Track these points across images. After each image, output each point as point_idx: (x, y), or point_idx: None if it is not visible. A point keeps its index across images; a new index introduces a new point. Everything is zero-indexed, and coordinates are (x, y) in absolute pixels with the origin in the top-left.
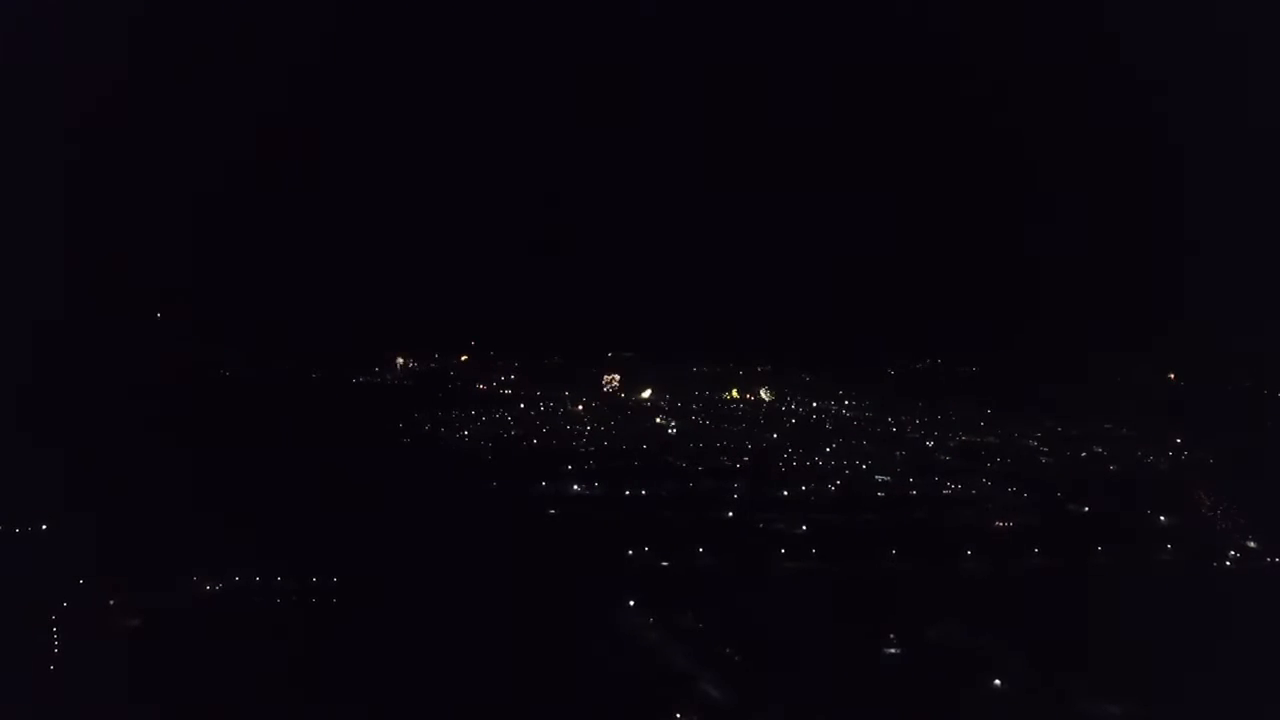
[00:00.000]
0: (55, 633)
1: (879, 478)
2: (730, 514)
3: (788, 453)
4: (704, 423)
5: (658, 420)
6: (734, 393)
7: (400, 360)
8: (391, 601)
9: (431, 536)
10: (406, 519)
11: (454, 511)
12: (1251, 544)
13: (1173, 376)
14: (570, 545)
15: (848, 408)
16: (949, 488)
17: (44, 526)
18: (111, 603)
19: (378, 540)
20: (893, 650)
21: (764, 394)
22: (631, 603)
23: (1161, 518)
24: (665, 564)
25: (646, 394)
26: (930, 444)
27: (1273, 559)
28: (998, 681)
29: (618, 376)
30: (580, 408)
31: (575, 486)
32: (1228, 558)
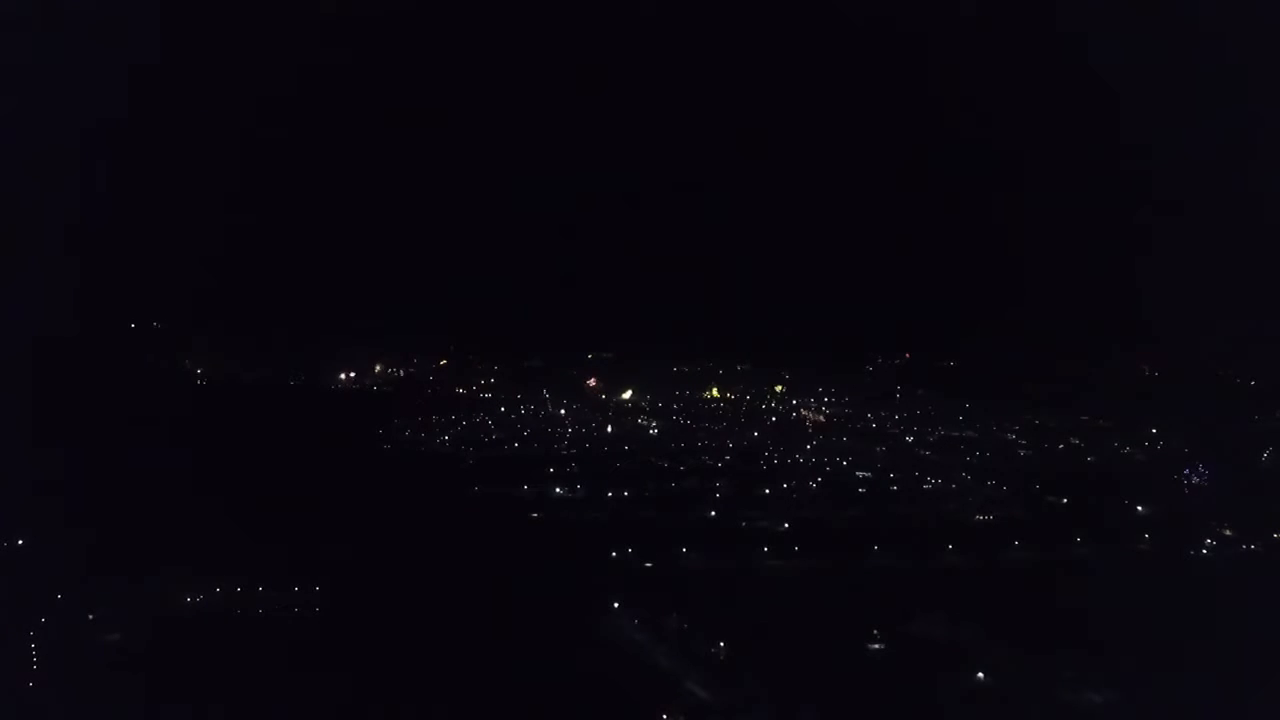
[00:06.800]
0: (33, 649)
1: (860, 474)
2: (713, 513)
3: (769, 451)
4: (685, 422)
5: (639, 421)
6: (714, 392)
7: (379, 365)
8: (375, 608)
9: (415, 542)
10: (389, 525)
11: (437, 517)
12: (1227, 532)
13: (1146, 369)
14: (553, 548)
15: (828, 404)
16: (929, 482)
17: (20, 541)
18: (91, 617)
19: (360, 547)
20: (877, 645)
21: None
22: (616, 604)
23: (1139, 508)
24: (649, 565)
25: (627, 395)
26: (910, 439)
27: (1248, 545)
28: (981, 674)
29: (599, 377)
30: (561, 410)
31: (557, 489)
32: (1204, 546)
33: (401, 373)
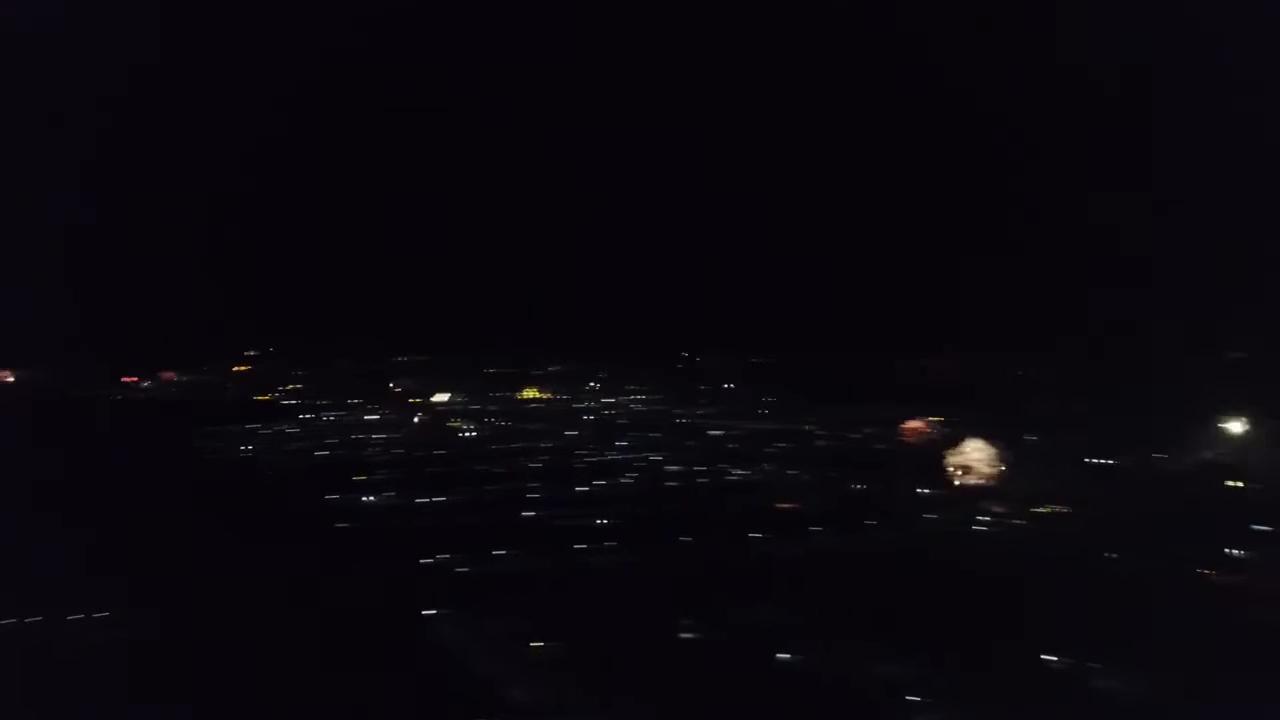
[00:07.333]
0: None
1: (671, 468)
2: (530, 513)
3: (584, 449)
4: (501, 424)
5: (452, 424)
6: (531, 393)
7: (169, 374)
8: (178, 628)
9: (215, 558)
10: (186, 542)
11: (238, 531)
12: (997, 508)
13: (928, 362)
14: (363, 558)
15: (640, 402)
16: (735, 474)
17: None
18: None
19: (152, 567)
20: (690, 635)
21: (538, 393)
22: (430, 611)
23: (922, 489)
24: (464, 570)
25: (441, 397)
26: (717, 433)
27: (1013, 521)
28: (788, 655)
29: (411, 381)
30: (371, 416)
31: (367, 497)
32: (979, 522)
33: (195, 380)
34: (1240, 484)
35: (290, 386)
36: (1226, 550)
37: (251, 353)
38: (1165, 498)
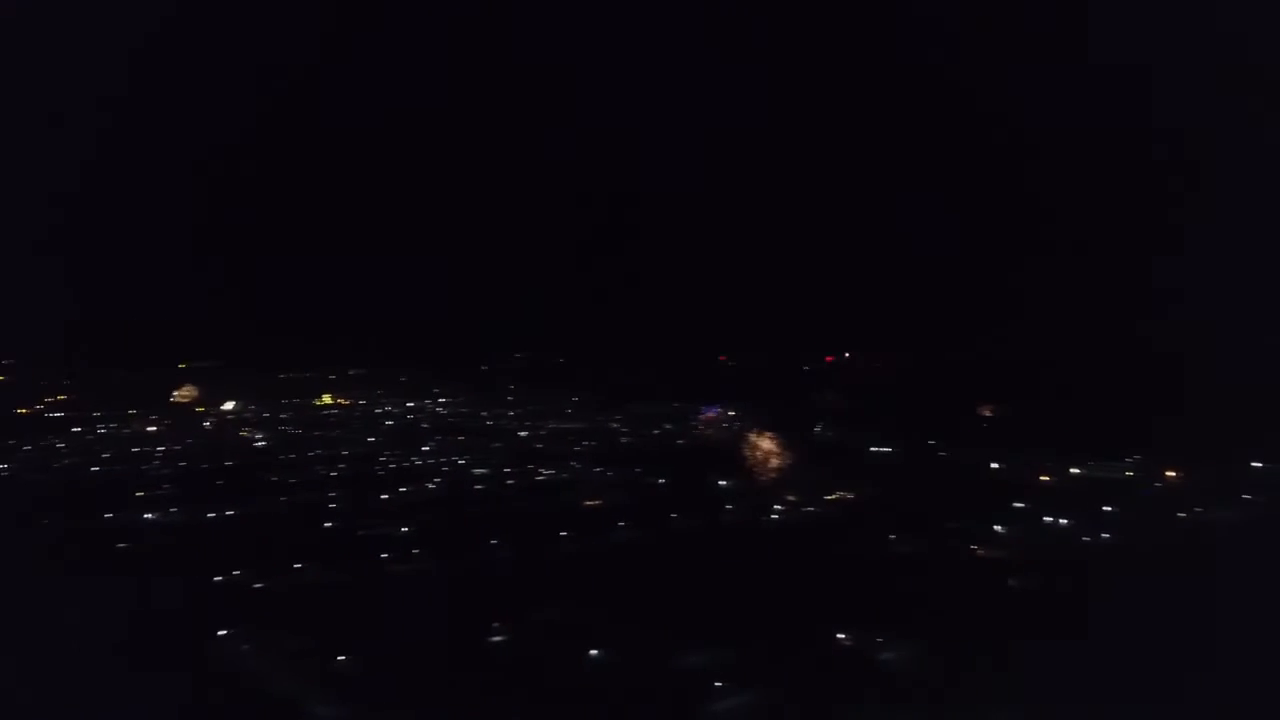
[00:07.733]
0: None
1: (477, 471)
2: (329, 524)
3: (385, 455)
4: (295, 432)
5: (243, 433)
6: (327, 398)
7: None
8: None
9: None
10: None
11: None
12: (791, 498)
13: (723, 359)
14: (147, 580)
15: (444, 405)
16: (543, 474)
17: None
18: None
19: None
20: (499, 638)
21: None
22: (224, 632)
23: (721, 481)
24: (260, 585)
25: (230, 405)
26: (524, 434)
27: (805, 509)
28: (596, 651)
29: (194, 389)
30: (150, 427)
31: (148, 515)
32: (774, 511)
33: None
34: (997, 465)
35: (58, 397)
36: (993, 527)
37: (7, 361)
38: (939, 481)
